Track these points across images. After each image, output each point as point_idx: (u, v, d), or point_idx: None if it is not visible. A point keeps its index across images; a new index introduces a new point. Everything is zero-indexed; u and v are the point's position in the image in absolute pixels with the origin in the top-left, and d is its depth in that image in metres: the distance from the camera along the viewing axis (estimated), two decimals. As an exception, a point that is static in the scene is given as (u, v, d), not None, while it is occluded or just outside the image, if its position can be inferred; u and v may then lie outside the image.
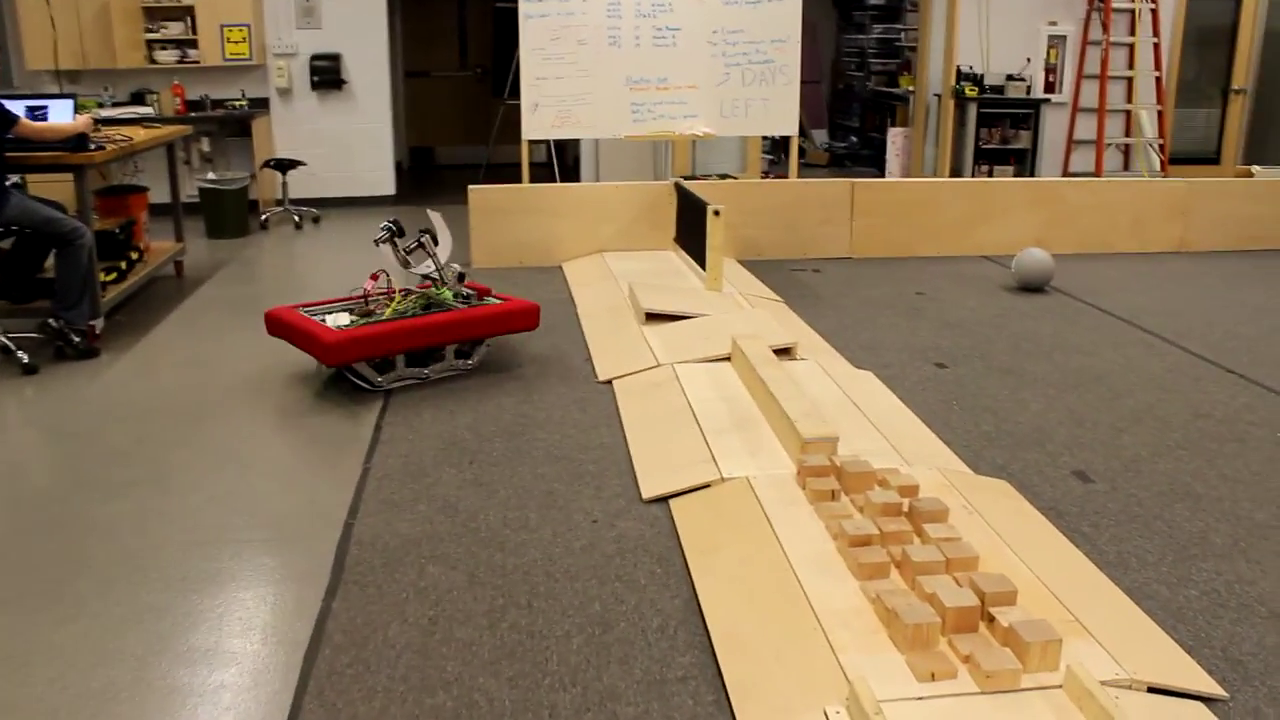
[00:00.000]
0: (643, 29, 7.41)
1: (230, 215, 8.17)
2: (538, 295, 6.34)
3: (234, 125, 9.08)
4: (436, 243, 5.04)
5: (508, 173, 11.39)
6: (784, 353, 4.89)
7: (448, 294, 4.97)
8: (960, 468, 3.82)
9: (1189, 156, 10.88)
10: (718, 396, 4.34)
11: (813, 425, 3.66)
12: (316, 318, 4.76)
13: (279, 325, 4.81)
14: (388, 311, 4.80)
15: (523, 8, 7.26)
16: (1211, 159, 11.04)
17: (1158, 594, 3.05)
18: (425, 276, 5.09)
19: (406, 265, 5.09)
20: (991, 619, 2.65)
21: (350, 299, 5.03)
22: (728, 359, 4.80)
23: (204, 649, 2.75)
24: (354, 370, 4.66)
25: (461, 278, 5.10)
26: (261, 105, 9.21)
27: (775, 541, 3.14)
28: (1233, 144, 10.96)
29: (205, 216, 8.19)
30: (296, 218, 8.72)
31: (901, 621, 2.59)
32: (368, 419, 4.36)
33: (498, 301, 5.05)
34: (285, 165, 8.75)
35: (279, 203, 9.02)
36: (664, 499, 3.58)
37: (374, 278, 4.92)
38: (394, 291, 4.96)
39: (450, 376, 4.86)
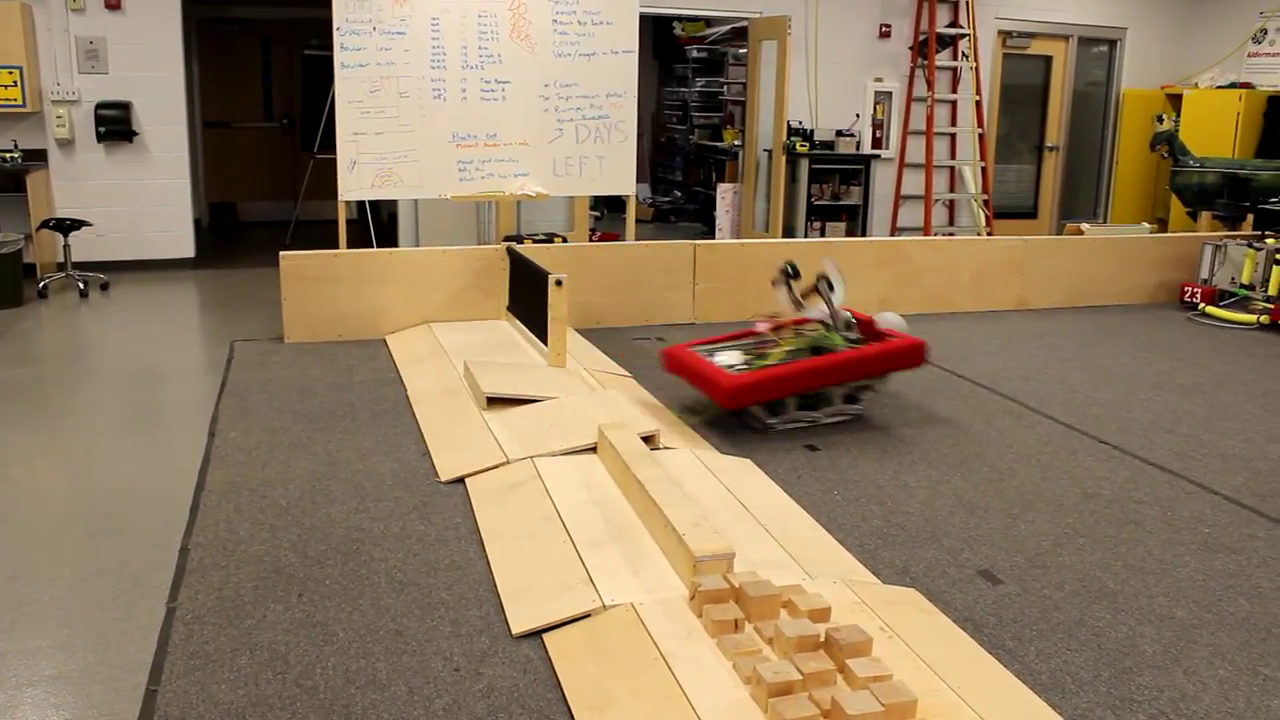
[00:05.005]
0: (470, 81, 6.90)
1: (0, 283, 7.21)
2: (359, 375, 5.72)
3: (5, 180, 8.08)
4: (832, 289, 5.11)
5: (317, 231, 10.65)
6: (647, 440, 4.43)
7: (837, 339, 5.00)
8: (865, 577, 3.43)
9: (1008, 211, 11.05)
10: (589, 499, 3.82)
11: (704, 539, 3.20)
12: (705, 356, 4.99)
13: (678, 364, 5.04)
14: (777, 352, 4.91)
15: (338, 57, 6.65)
16: (1029, 213, 11.25)
17: (1104, 724, 2.71)
18: (819, 321, 5.14)
19: (799, 307, 5.25)
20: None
21: (739, 336, 5.30)
22: (592, 449, 4.31)
23: None
24: (749, 413, 4.87)
25: (850, 325, 5.13)
26: (38, 158, 8.25)
27: (678, 690, 2.65)
28: (1049, 198, 11.19)
29: (-30, 286, 7.20)
30: (81, 285, 7.80)
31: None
32: (170, 541, 3.66)
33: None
34: (67, 226, 7.81)
35: (60, 268, 8.06)
36: (537, 632, 3.05)
37: (769, 319, 5.18)
38: (788, 326, 5.16)
39: (278, 484, 4.21)
